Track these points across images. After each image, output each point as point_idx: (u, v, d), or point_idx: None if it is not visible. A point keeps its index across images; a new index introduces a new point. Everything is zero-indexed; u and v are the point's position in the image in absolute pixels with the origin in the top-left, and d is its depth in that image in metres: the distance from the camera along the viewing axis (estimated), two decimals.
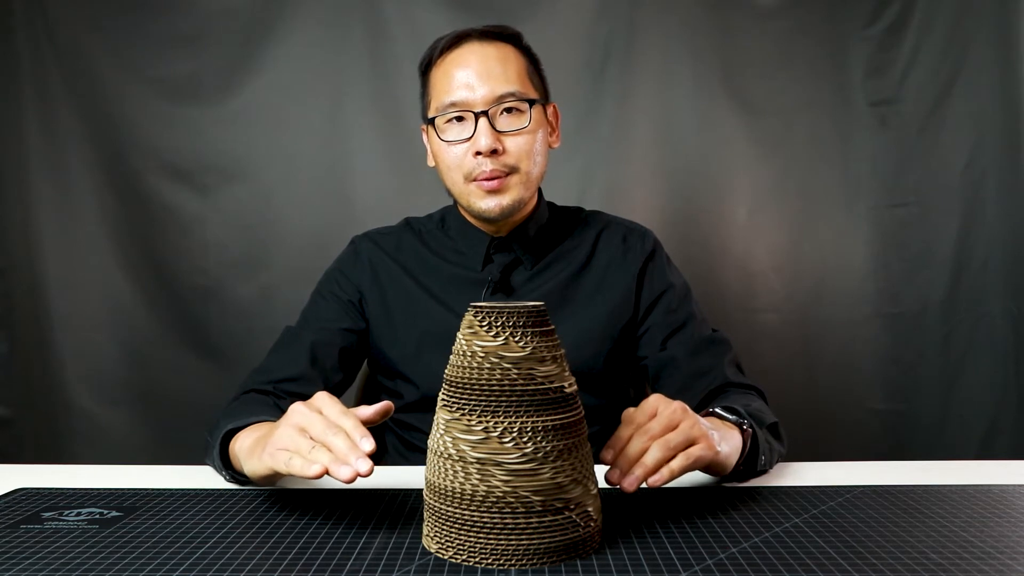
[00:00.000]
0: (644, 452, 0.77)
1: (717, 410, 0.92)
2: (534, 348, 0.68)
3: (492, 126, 1.09)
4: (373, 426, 0.76)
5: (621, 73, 1.94)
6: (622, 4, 1.93)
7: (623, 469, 0.77)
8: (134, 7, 1.93)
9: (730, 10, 1.93)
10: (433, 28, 1.90)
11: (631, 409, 0.82)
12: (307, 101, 1.95)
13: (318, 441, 0.72)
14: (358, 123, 1.96)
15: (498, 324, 0.68)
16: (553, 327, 0.71)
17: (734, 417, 0.91)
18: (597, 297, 1.18)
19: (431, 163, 1.20)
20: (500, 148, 1.09)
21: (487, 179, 1.10)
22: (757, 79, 1.94)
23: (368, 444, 0.70)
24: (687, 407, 0.82)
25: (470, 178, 1.11)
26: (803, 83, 1.94)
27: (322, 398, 0.77)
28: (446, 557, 0.68)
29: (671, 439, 0.78)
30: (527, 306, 0.70)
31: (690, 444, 0.80)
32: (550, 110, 1.19)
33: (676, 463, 0.78)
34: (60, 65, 1.93)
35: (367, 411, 0.75)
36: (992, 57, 1.90)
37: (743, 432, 0.89)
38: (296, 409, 0.77)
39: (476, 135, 1.09)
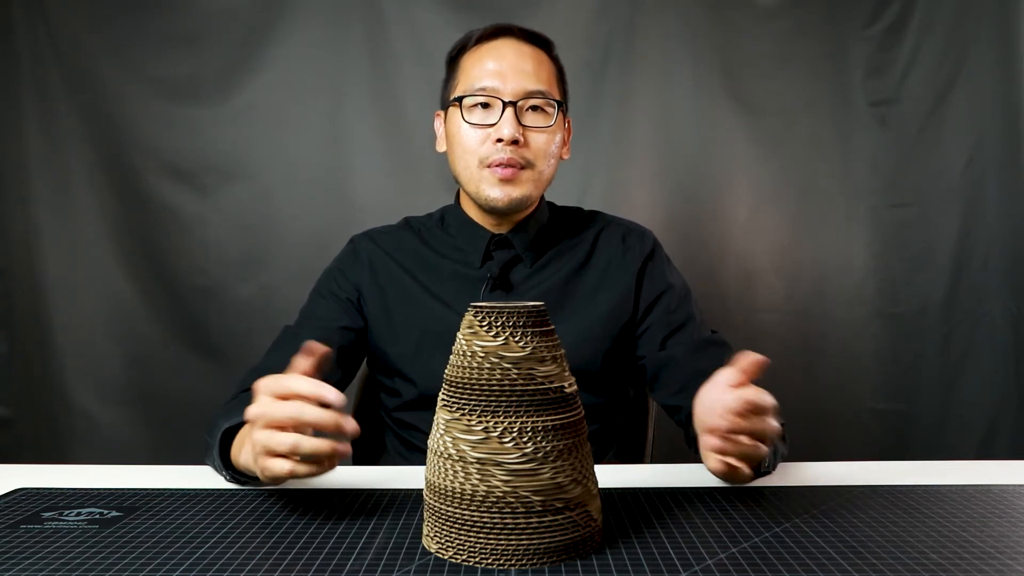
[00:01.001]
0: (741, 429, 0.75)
1: None
2: (534, 348, 0.68)
3: (517, 118, 1.11)
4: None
5: (621, 73, 1.94)
6: (622, 4, 1.93)
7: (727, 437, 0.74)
8: (134, 7, 1.94)
9: (730, 10, 1.93)
10: (433, 28, 1.91)
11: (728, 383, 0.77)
12: (307, 101, 1.95)
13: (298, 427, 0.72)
14: (358, 123, 1.96)
15: (498, 324, 0.68)
16: (553, 327, 0.71)
17: None
18: (596, 296, 1.18)
19: (441, 148, 1.21)
20: (521, 140, 1.11)
21: (502, 166, 1.11)
22: (757, 79, 1.95)
23: (350, 425, 0.72)
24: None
25: (484, 163, 1.12)
26: (803, 83, 1.94)
27: (284, 381, 0.75)
28: (446, 557, 0.68)
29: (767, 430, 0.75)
30: (527, 306, 0.70)
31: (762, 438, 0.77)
32: (567, 122, 1.21)
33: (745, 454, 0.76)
34: (60, 65, 1.93)
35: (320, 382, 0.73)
36: (992, 57, 1.90)
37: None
38: (257, 415, 0.74)
39: (501, 123, 1.10)
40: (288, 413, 0.72)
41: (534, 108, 1.13)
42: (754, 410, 0.74)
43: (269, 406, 0.74)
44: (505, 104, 1.11)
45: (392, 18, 1.94)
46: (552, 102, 1.14)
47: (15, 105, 1.93)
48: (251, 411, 0.75)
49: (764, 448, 0.77)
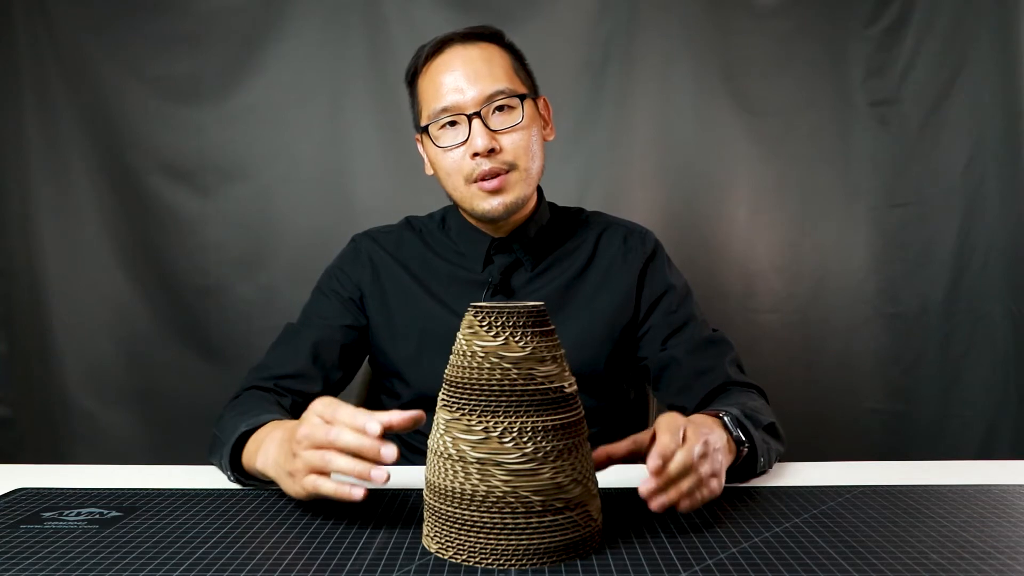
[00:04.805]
0: (683, 474, 0.76)
1: (726, 421, 0.90)
2: (534, 348, 0.68)
3: (486, 126, 1.09)
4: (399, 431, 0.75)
5: (621, 73, 1.94)
6: (622, 4, 1.93)
7: (659, 486, 0.75)
8: (134, 7, 1.93)
9: (730, 10, 1.93)
10: (433, 28, 1.89)
11: (670, 417, 0.80)
12: (307, 101, 1.95)
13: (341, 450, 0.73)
14: (358, 123, 1.96)
15: (498, 324, 0.68)
16: (553, 327, 0.71)
17: (737, 433, 0.89)
18: (598, 298, 1.17)
19: (429, 171, 1.19)
20: (497, 147, 1.09)
21: (488, 177, 1.10)
22: (757, 79, 1.94)
23: (389, 452, 0.72)
24: (711, 443, 0.81)
25: (470, 180, 1.11)
26: (803, 83, 1.94)
27: (334, 408, 0.76)
28: (446, 557, 0.68)
29: (706, 472, 0.77)
30: (527, 306, 0.70)
31: (712, 476, 0.79)
32: (540, 103, 1.19)
33: (699, 496, 0.77)
34: (60, 65, 1.93)
35: (396, 416, 0.74)
36: (992, 57, 1.90)
37: (740, 452, 0.89)
38: (313, 434, 0.76)
39: (471, 137, 1.09)
40: (329, 437, 0.74)
41: (500, 108, 1.10)
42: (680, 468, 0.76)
43: (316, 428, 0.75)
44: (470, 117, 1.09)
45: (392, 18, 1.94)
46: (515, 97, 1.11)
47: (15, 105, 1.93)
48: (300, 431, 0.77)
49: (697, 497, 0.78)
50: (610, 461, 0.80)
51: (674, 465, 0.76)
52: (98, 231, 1.95)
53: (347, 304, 1.20)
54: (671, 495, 0.75)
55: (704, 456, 0.79)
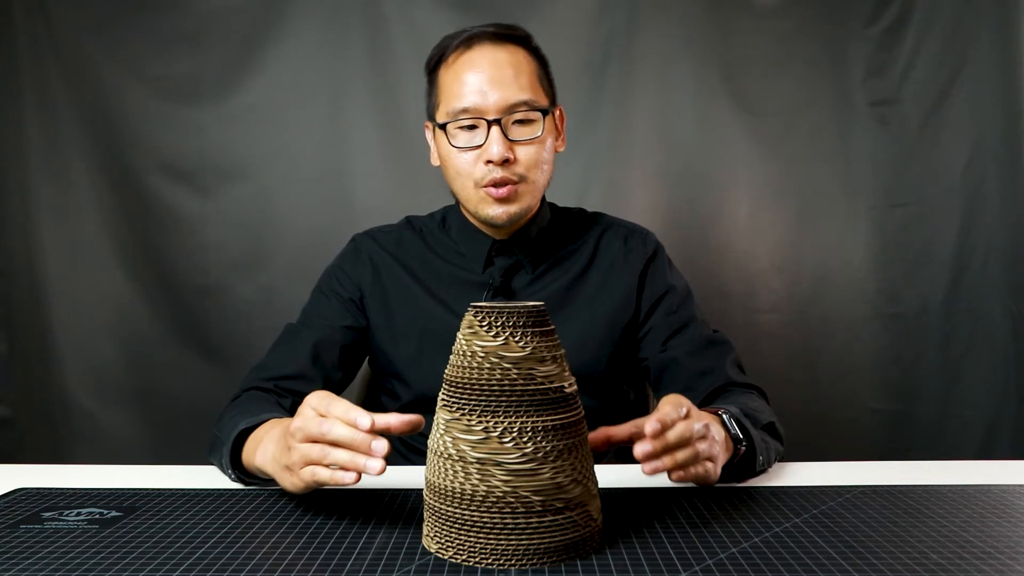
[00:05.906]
0: (680, 445, 0.78)
1: (725, 419, 0.91)
2: (534, 348, 0.68)
3: (504, 135, 1.08)
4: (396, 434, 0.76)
5: (621, 73, 1.94)
6: (622, 4, 1.93)
7: (655, 449, 0.76)
8: (134, 7, 1.93)
9: (730, 10, 1.93)
10: (433, 28, 1.90)
11: (675, 396, 0.83)
12: (307, 101, 1.95)
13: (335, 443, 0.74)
14: (358, 123, 1.96)
15: (498, 324, 0.68)
16: (553, 327, 0.71)
17: (736, 431, 0.90)
18: (598, 299, 1.17)
19: (435, 162, 1.19)
20: (511, 157, 1.08)
21: (497, 186, 1.09)
22: (757, 79, 1.94)
23: (380, 446, 0.72)
24: (711, 430, 0.83)
25: (480, 184, 1.10)
26: (803, 83, 1.94)
27: (328, 402, 0.76)
28: (446, 557, 0.68)
29: (703, 450, 0.80)
30: (527, 306, 0.70)
31: (708, 459, 0.81)
32: (557, 113, 1.18)
33: (692, 471, 0.79)
34: (60, 65, 1.93)
35: (393, 419, 0.74)
36: (992, 57, 1.90)
37: (737, 450, 0.90)
38: (306, 427, 0.76)
39: (488, 144, 1.08)
40: (322, 430, 0.74)
41: (520, 120, 1.09)
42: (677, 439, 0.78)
43: (309, 421, 0.75)
44: (490, 123, 1.08)
45: (392, 18, 1.94)
46: (538, 111, 1.10)
47: (15, 105, 1.93)
48: (294, 423, 0.77)
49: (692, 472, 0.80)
50: (609, 444, 0.80)
51: (673, 433, 0.78)
52: (98, 231, 1.95)
53: (347, 304, 1.20)
54: (665, 461, 0.77)
55: (704, 437, 0.80)
